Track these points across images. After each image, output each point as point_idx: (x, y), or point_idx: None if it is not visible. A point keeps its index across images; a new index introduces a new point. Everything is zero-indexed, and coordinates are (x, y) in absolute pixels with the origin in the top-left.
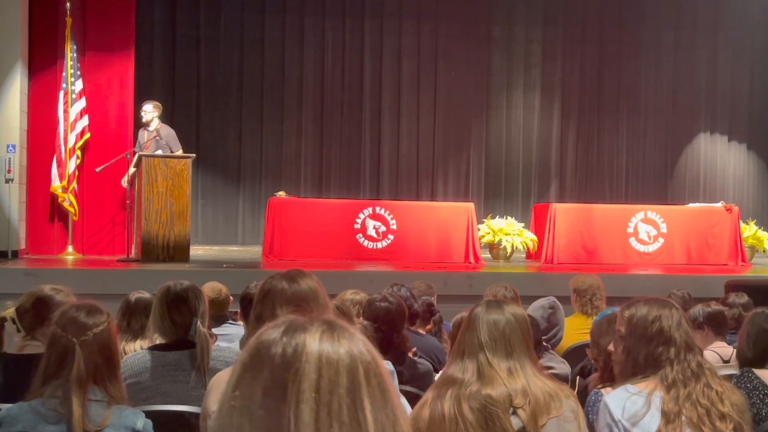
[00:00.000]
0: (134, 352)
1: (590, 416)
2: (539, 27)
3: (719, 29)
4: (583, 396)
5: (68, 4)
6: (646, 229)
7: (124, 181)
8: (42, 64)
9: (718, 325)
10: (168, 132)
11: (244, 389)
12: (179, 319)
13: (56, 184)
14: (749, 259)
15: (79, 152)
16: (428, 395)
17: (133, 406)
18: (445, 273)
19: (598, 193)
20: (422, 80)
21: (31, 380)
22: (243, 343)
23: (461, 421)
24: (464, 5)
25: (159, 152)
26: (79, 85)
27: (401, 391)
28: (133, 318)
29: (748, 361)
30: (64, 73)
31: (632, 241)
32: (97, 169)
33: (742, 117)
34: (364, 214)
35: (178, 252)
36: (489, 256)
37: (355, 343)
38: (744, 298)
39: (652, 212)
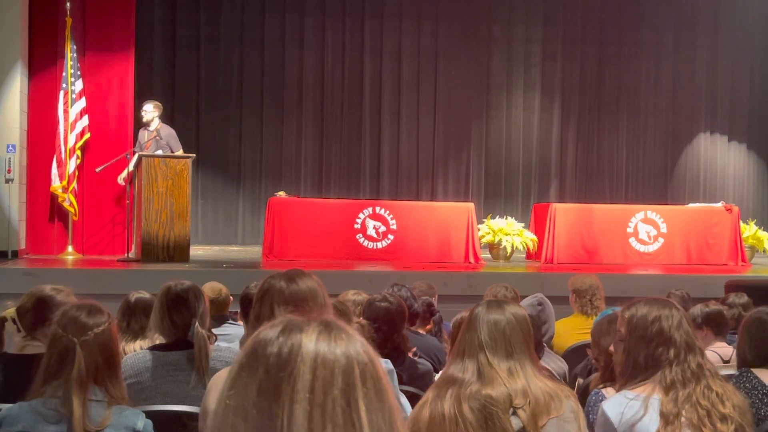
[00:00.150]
0: (134, 352)
1: (590, 416)
2: (539, 27)
3: (719, 29)
4: (583, 396)
5: (68, 4)
6: (646, 229)
7: (121, 178)
8: (42, 64)
9: (717, 325)
10: (168, 132)
11: (239, 388)
12: (179, 319)
13: (56, 184)
14: (749, 259)
15: (79, 152)
16: (428, 395)
17: (134, 406)
18: (445, 273)
19: (598, 193)
20: (422, 80)
21: (32, 380)
22: (243, 343)
23: (461, 421)
24: (464, 5)
25: (159, 152)
26: (79, 85)
27: (401, 390)
28: (133, 318)
29: (747, 361)
30: (64, 73)
31: (632, 241)
32: (97, 169)
33: (742, 117)
34: (364, 214)
35: (178, 252)
36: (489, 256)
37: (353, 344)
38: (744, 298)
39: (652, 212)
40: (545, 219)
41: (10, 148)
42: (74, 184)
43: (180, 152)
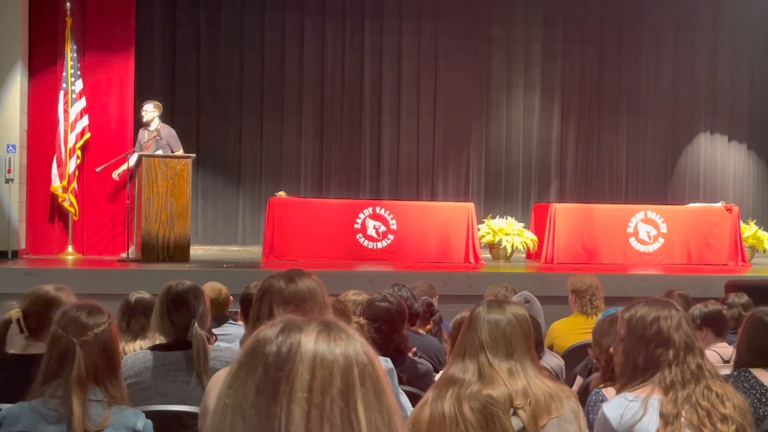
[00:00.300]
0: (134, 352)
1: (591, 416)
2: (539, 27)
3: (719, 29)
4: (583, 396)
5: (68, 4)
6: (646, 229)
7: (116, 174)
8: (42, 64)
9: (717, 325)
10: (168, 132)
11: (238, 387)
12: (178, 319)
13: (56, 184)
14: (749, 259)
15: (79, 152)
16: (429, 395)
17: (134, 406)
18: (446, 273)
19: (598, 193)
20: (422, 80)
21: (33, 380)
22: (243, 343)
23: (461, 421)
24: (464, 5)
25: (159, 152)
26: (79, 85)
27: (402, 390)
28: (133, 318)
29: (746, 361)
30: (64, 73)
31: (632, 241)
32: (97, 169)
33: (742, 117)
34: (364, 214)
35: (178, 252)
36: (489, 256)
37: (352, 345)
38: (744, 298)
39: (652, 212)
40: (545, 219)
41: (10, 148)
42: (74, 184)
43: (180, 152)
